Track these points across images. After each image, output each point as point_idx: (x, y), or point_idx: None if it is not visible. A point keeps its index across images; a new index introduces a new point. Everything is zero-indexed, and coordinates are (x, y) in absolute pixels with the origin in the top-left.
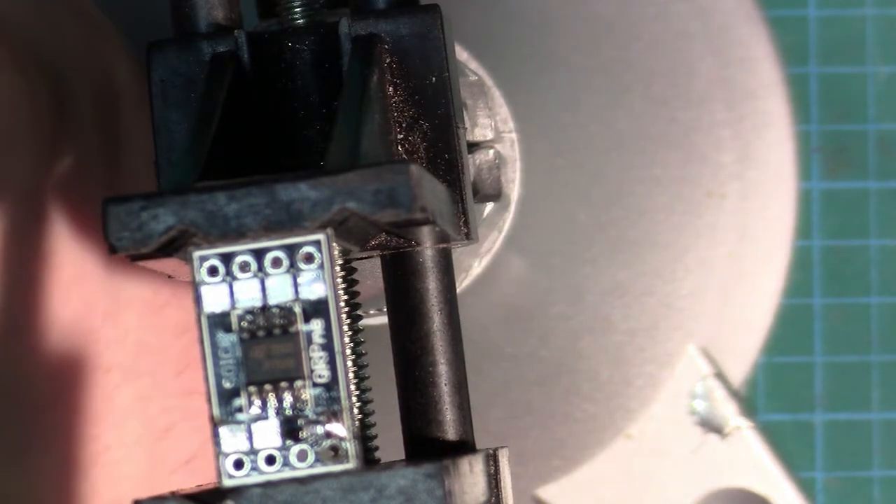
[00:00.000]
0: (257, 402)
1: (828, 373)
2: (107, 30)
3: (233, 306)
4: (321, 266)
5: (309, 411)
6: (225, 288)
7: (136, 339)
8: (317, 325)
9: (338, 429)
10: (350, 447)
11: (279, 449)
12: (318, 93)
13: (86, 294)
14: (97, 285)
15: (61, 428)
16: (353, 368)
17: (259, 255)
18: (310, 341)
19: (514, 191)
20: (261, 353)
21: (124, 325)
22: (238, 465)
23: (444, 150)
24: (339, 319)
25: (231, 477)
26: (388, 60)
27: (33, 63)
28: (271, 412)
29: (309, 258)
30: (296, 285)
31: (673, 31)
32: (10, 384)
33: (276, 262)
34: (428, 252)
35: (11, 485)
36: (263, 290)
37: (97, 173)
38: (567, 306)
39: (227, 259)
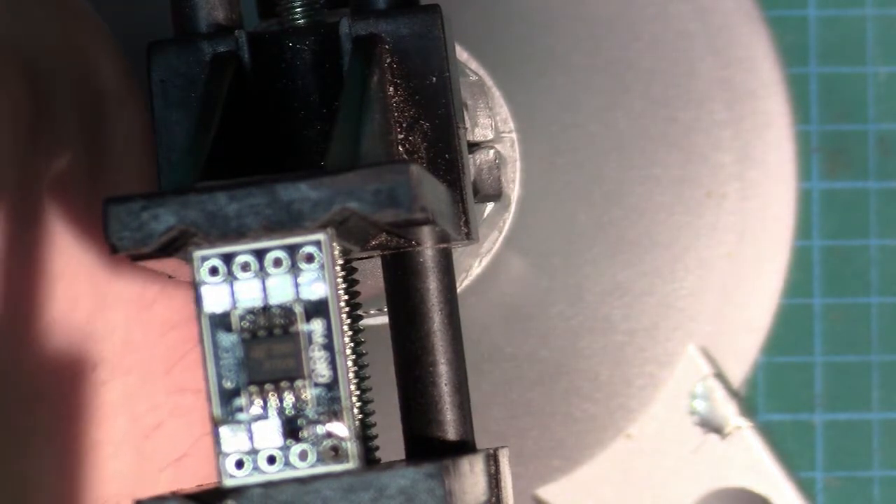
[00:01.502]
0: (258, 401)
1: (828, 373)
2: (91, 21)
3: (233, 306)
4: (322, 266)
5: (310, 411)
6: (226, 288)
7: (123, 337)
8: (317, 325)
9: (338, 429)
10: (351, 447)
11: (280, 449)
12: (319, 93)
13: (71, 291)
14: (82, 283)
15: (47, 425)
16: (354, 368)
17: (260, 255)
18: (310, 341)
19: (514, 191)
20: (261, 353)
21: (111, 322)
22: (239, 464)
23: (444, 150)
24: (340, 319)
25: (232, 477)
26: (388, 60)
27: (10, 61)
28: (272, 412)
29: (309, 258)
30: (296, 285)
31: (673, 31)
32: None
33: (277, 262)
34: (428, 252)
35: None
36: (264, 290)
37: (81, 172)
38: (567, 306)
39: (227, 259)
